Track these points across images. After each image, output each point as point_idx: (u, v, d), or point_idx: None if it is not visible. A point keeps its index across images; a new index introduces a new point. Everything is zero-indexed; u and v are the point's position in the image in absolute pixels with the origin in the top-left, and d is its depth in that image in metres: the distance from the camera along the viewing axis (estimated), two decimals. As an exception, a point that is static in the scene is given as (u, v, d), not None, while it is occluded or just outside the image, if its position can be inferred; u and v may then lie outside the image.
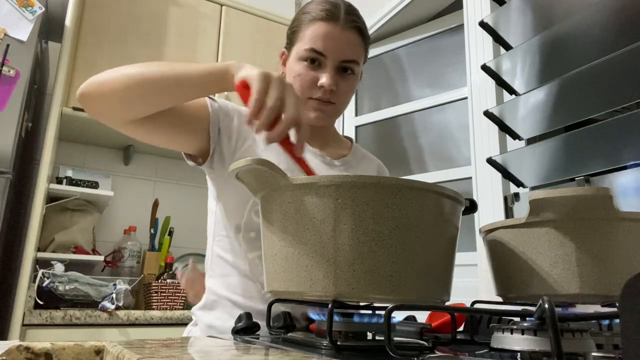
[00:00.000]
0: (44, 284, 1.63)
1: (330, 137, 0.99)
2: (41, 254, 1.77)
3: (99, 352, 0.57)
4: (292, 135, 0.65)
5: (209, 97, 0.87)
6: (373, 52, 2.14)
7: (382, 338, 0.49)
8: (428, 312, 0.74)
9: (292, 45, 0.89)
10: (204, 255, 2.28)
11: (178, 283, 1.91)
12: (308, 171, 0.65)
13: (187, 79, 0.72)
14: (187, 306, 1.94)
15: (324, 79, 0.83)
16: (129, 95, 0.73)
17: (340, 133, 1.07)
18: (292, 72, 0.87)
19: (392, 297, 0.45)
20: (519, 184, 1.21)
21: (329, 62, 0.84)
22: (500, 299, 0.62)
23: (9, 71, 1.54)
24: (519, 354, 0.42)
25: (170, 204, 2.33)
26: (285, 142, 0.65)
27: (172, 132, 0.81)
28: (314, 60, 0.84)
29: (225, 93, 1.05)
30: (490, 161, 1.20)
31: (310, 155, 0.93)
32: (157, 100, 0.74)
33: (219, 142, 0.85)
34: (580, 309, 0.58)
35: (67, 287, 1.67)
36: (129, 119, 0.76)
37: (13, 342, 0.56)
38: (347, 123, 2.16)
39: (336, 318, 0.50)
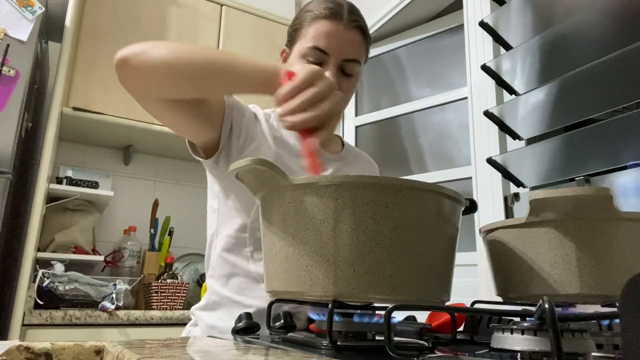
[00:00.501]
0: (44, 284, 1.63)
1: (331, 136, 1.01)
2: (41, 254, 1.77)
3: (99, 352, 0.57)
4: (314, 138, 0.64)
5: None
6: (373, 52, 2.14)
7: (382, 338, 0.49)
8: (428, 312, 0.74)
9: (293, 43, 0.88)
10: (204, 255, 2.29)
11: (178, 283, 1.91)
12: (313, 165, 0.64)
13: (240, 73, 0.69)
14: (187, 306, 1.94)
15: None
16: (175, 75, 0.69)
17: (340, 133, 1.08)
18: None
19: (392, 297, 0.45)
20: (519, 184, 1.21)
21: (331, 61, 0.83)
22: (500, 299, 0.62)
23: (9, 71, 1.54)
24: (519, 354, 0.42)
25: (170, 204, 2.33)
26: (304, 132, 0.64)
27: (190, 118, 0.78)
28: (317, 58, 0.83)
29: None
30: (490, 161, 1.20)
31: None
32: (203, 87, 0.71)
33: (229, 139, 0.84)
34: (580, 309, 0.58)
35: (67, 287, 1.67)
36: (162, 97, 0.73)
37: (13, 342, 0.56)
38: (347, 123, 2.16)
39: (336, 318, 0.50)
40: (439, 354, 0.46)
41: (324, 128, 0.63)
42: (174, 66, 0.68)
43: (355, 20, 0.86)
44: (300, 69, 0.65)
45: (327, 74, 0.82)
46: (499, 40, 1.29)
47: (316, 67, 0.65)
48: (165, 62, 0.68)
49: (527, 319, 0.43)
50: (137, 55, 0.68)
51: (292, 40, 0.90)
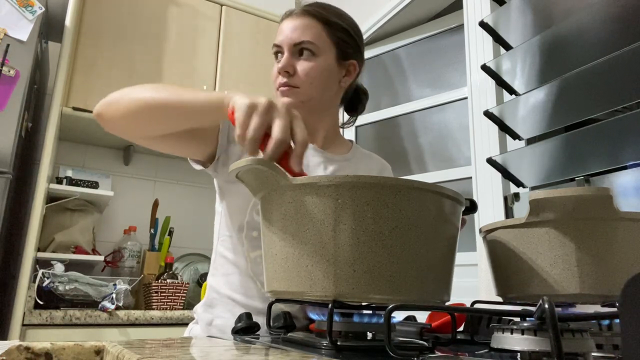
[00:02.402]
0: (44, 284, 1.63)
1: (334, 136, 1.01)
2: (41, 254, 1.77)
3: (99, 352, 0.57)
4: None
5: None
6: (373, 52, 2.14)
7: (382, 338, 0.49)
8: (428, 312, 0.74)
9: None
10: (204, 255, 2.29)
11: (178, 283, 1.91)
12: (287, 169, 0.63)
13: (189, 108, 0.74)
14: (187, 306, 1.94)
15: (278, 64, 0.90)
16: (138, 119, 0.77)
17: (340, 133, 1.08)
18: None
19: (392, 297, 0.45)
20: (519, 184, 1.20)
21: (284, 50, 0.90)
22: (500, 299, 0.62)
23: (9, 71, 1.54)
24: (519, 354, 0.42)
25: (170, 204, 2.33)
26: (282, 162, 0.61)
27: (183, 142, 0.85)
28: (277, 53, 0.92)
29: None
30: (490, 161, 1.20)
31: (311, 151, 0.93)
32: (161, 125, 0.78)
33: (227, 149, 0.88)
34: (580, 309, 0.58)
35: (67, 287, 1.67)
36: (141, 137, 0.82)
37: (13, 342, 0.56)
38: (347, 123, 2.16)
39: (336, 318, 0.50)
40: (439, 354, 0.46)
41: (289, 145, 0.60)
42: (136, 115, 0.77)
43: (305, 8, 0.92)
44: (236, 107, 0.63)
45: (280, 62, 0.89)
46: (499, 40, 1.29)
47: (249, 100, 0.62)
48: (128, 113, 0.77)
49: (527, 319, 0.43)
50: (106, 108, 0.80)
51: None
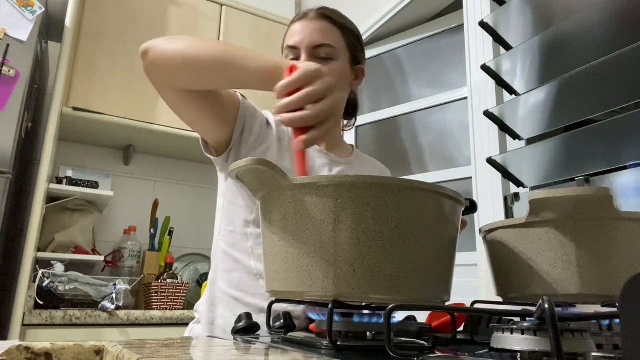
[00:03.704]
0: (44, 284, 1.63)
1: (338, 140, 1.02)
2: (41, 254, 1.77)
3: (99, 352, 0.57)
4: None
5: (241, 95, 0.91)
6: (373, 52, 2.14)
7: (382, 338, 0.49)
8: (428, 312, 0.74)
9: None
10: (204, 255, 2.29)
11: (178, 283, 1.91)
12: (300, 166, 0.63)
13: (244, 67, 0.73)
14: (187, 306, 1.94)
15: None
16: (188, 66, 0.74)
17: (340, 133, 1.09)
18: None
19: (392, 297, 0.45)
20: (519, 184, 1.20)
21: (302, 52, 0.89)
22: (500, 299, 0.62)
23: (9, 71, 1.54)
24: (519, 354, 0.42)
25: (170, 204, 2.33)
26: (298, 131, 0.63)
27: (204, 114, 0.83)
28: (292, 55, 0.90)
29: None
30: (490, 161, 1.20)
31: (316, 153, 0.94)
32: (212, 78, 0.76)
33: (240, 139, 0.88)
34: (580, 309, 0.58)
35: (67, 287, 1.67)
36: (178, 87, 0.78)
37: (13, 342, 0.56)
38: (347, 123, 2.16)
39: (336, 318, 0.50)
40: (439, 354, 0.46)
41: (318, 128, 0.62)
42: (187, 58, 0.74)
43: (321, 12, 0.92)
44: (303, 65, 0.64)
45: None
46: (499, 40, 1.29)
47: (317, 65, 0.64)
48: (179, 53, 0.74)
49: (527, 319, 0.43)
50: (157, 46, 0.76)
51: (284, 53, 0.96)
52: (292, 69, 0.65)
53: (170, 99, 0.81)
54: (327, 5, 0.97)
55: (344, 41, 0.93)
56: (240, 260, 0.86)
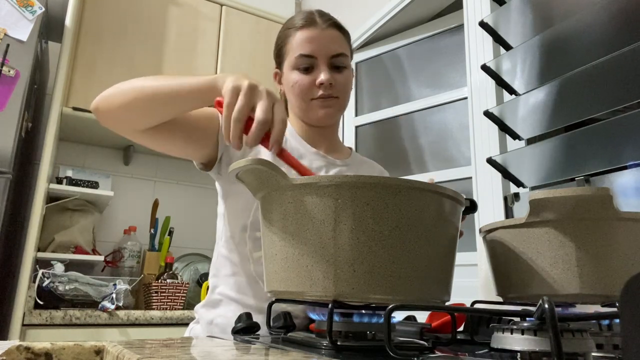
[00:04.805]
0: (44, 284, 1.63)
1: (335, 142, 1.03)
2: (41, 254, 1.77)
3: (99, 352, 0.57)
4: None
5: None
6: (373, 52, 2.14)
7: (382, 338, 0.49)
8: (428, 312, 0.74)
9: (282, 62, 0.95)
10: (204, 255, 2.29)
11: (178, 283, 1.91)
12: (296, 165, 0.64)
13: (180, 94, 0.76)
14: (187, 306, 1.94)
15: (322, 76, 0.88)
16: (131, 109, 0.78)
17: (340, 133, 1.09)
18: (289, 82, 0.91)
19: (392, 297, 0.45)
20: (519, 184, 1.20)
21: (320, 61, 0.89)
22: (500, 299, 0.62)
23: (9, 71, 1.54)
24: (519, 354, 0.42)
25: (170, 204, 2.33)
26: (264, 143, 0.64)
27: (181, 141, 0.85)
28: (307, 64, 0.89)
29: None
30: (490, 161, 1.20)
31: (314, 155, 0.94)
32: (155, 113, 0.79)
33: (227, 149, 0.88)
34: (580, 309, 0.58)
35: (67, 287, 1.67)
36: (136, 129, 0.81)
37: (13, 342, 0.56)
38: (347, 123, 2.16)
39: (336, 318, 0.50)
40: (439, 354, 0.46)
41: (275, 125, 0.63)
42: (130, 102, 0.78)
43: (328, 19, 0.93)
44: (224, 91, 0.65)
45: (322, 72, 0.88)
46: (499, 40, 1.29)
47: (234, 83, 0.65)
48: (124, 101, 0.78)
49: (527, 319, 0.43)
50: (103, 99, 0.81)
51: (280, 60, 0.97)
52: (219, 103, 0.68)
53: (141, 139, 0.83)
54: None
55: (349, 48, 0.97)
56: (239, 264, 0.87)
